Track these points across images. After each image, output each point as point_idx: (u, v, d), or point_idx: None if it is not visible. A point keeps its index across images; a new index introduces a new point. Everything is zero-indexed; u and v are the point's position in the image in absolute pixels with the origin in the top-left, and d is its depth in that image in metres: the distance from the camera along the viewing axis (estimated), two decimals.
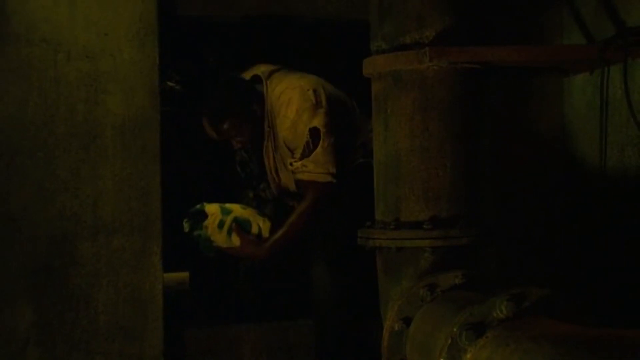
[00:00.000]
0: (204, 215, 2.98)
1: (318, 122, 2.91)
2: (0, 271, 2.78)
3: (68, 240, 2.83)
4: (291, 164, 2.95)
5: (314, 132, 2.91)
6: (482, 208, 2.67)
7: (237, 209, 2.98)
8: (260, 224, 2.96)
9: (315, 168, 2.90)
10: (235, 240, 2.93)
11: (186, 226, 2.97)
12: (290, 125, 2.93)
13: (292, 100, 2.95)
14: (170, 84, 4.64)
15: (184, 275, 4.38)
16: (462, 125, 2.51)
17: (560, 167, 3.16)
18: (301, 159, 2.91)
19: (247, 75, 3.18)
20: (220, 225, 2.92)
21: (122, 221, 2.87)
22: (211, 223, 2.93)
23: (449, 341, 1.69)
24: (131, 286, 2.87)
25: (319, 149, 2.89)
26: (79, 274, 2.84)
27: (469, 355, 1.65)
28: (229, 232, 2.92)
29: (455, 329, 1.69)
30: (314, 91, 2.96)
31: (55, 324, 2.82)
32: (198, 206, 2.99)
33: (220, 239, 2.93)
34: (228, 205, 2.99)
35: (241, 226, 2.94)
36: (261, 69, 3.16)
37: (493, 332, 1.63)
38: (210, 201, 3.06)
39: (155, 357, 2.92)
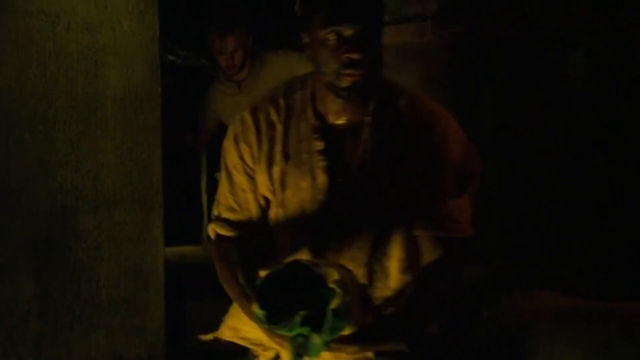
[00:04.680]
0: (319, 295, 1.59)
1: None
2: (1, 244, 2.78)
3: (69, 214, 2.82)
4: (433, 209, 1.85)
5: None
6: (484, 179, 2.66)
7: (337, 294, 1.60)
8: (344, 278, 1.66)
9: (460, 215, 1.87)
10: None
11: (261, 315, 1.63)
12: (461, 144, 1.91)
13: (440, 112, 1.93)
14: (171, 57, 4.62)
15: (185, 249, 4.39)
16: (465, 96, 2.50)
17: (562, 138, 3.15)
18: (442, 198, 1.86)
19: None
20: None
21: (123, 194, 2.86)
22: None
23: None
24: (133, 259, 2.87)
25: (467, 194, 1.90)
26: (80, 247, 2.84)
27: None
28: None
29: None
30: None
31: (56, 297, 2.82)
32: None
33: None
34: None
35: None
36: None
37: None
38: None
39: (156, 331, 2.92)
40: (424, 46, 2.44)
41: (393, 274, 1.84)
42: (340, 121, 1.87)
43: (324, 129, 1.87)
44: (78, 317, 2.84)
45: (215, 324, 3.22)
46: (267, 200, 1.93)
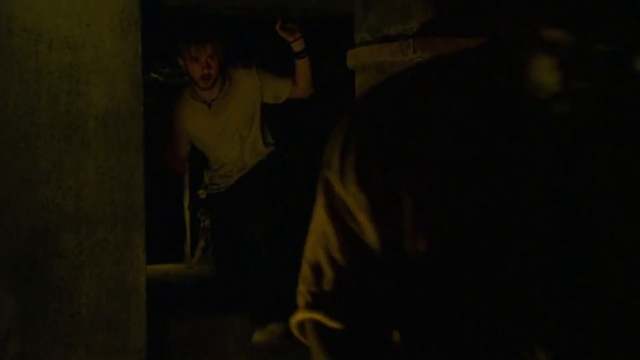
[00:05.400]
0: None
1: None
2: None
3: (51, 232, 2.81)
4: None
5: None
6: None
7: None
8: None
9: None
10: None
11: None
12: None
13: None
14: (154, 75, 4.62)
15: (168, 267, 4.37)
16: None
17: None
18: None
19: None
20: None
21: (105, 213, 2.86)
22: None
23: None
24: (114, 278, 2.85)
25: None
26: (61, 265, 2.82)
27: None
28: None
29: None
30: None
31: (37, 316, 2.80)
32: None
33: None
34: None
35: None
36: None
37: None
38: None
39: (138, 349, 2.91)
40: (406, 65, 2.45)
41: None
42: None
43: (542, 118, 0.89)
44: (59, 336, 2.82)
45: (197, 342, 3.21)
46: (405, 258, 0.93)
